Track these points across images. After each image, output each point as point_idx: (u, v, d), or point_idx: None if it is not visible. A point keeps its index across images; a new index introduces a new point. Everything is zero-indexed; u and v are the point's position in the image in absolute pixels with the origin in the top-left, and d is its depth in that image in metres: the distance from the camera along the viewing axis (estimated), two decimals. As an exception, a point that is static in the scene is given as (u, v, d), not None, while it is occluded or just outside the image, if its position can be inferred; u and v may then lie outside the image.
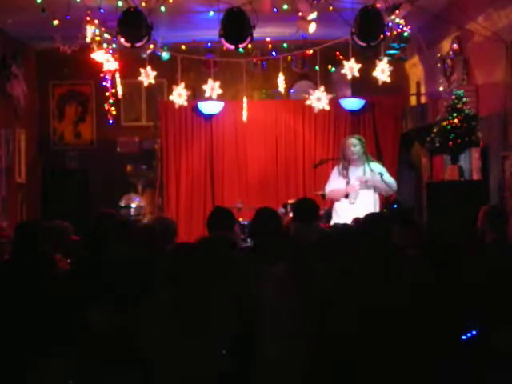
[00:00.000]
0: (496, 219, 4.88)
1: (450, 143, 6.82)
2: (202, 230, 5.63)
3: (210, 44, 8.93)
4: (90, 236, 4.61)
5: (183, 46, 8.50)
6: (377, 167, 7.42)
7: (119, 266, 3.98)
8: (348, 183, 7.31)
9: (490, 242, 4.74)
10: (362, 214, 7.09)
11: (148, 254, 4.27)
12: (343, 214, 7.28)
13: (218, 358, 3.64)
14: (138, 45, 6.44)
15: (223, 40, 6.36)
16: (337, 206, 7.47)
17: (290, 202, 8.33)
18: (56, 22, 6.97)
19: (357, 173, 7.36)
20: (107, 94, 8.00)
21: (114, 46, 7.31)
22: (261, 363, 3.77)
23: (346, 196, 7.32)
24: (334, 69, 9.21)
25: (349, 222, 6.93)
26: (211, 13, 6.87)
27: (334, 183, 7.46)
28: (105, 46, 7.28)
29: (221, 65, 8.60)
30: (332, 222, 7.38)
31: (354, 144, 7.32)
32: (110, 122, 8.32)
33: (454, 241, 4.09)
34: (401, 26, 6.95)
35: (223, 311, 3.73)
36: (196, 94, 7.64)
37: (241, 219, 7.73)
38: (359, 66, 6.80)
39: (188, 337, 3.59)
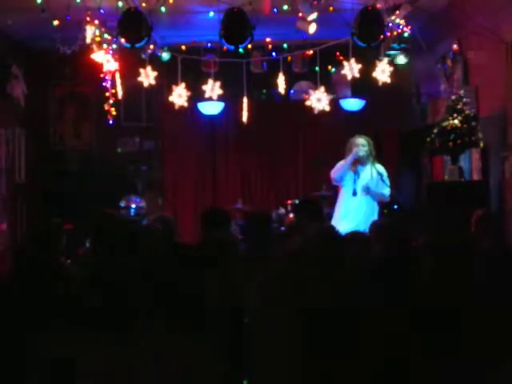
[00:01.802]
0: (491, 224, 4.81)
1: (450, 144, 6.82)
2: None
3: (210, 44, 8.93)
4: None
5: (183, 47, 8.50)
6: (380, 168, 7.42)
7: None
8: (357, 179, 7.22)
9: (486, 249, 4.67)
10: (365, 207, 7.12)
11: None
12: (345, 206, 7.20)
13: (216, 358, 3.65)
14: (138, 45, 6.44)
15: (223, 40, 6.36)
16: (340, 200, 7.37)
17: (290, 202, 8.34)
18: (56, 23, 6.96)
19: (364, 172, 7.34)
20: (107, 94, 7.99)
21: (114, 46, 7.31)
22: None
23: (354, 193, 7.23)
24: (334, 69, 9.21)
25: (352, 214, 6.96)
26: (211, 13, 6.87)
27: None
28: (105, 46, 7.28)
29: (221, 65, 8.59)
30: (333, 218, 7.34)
31: (363, 144, 7.30)
32: (110, 122, 8.32)
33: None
34: (401, 27, 6.94)
35: (218, 312, 3.74)
36: (196, 95, 7.63)
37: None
38: (359, 66, 6.80)
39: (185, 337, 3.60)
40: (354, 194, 7.14)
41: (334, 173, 7.28)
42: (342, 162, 7.29)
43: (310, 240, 4.14)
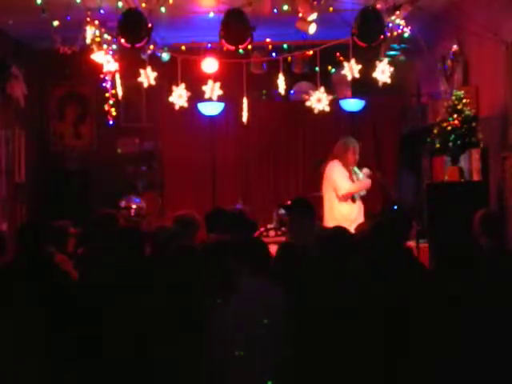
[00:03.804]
0: (491, 225, 4.79)
1: (450, 144, 6.81)
2: (202, 231, 5.62)
3: (210, 45, 8.92)
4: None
5: (183, 47, 8.50)
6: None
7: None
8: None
9: (486, 249, 4.65)
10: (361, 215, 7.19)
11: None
12: (349, 210, 7.25)
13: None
14: (137, 46, 6.44)
15: (223, 41, 6.35)
16: (338, 207, 7.39)
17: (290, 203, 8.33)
18: (56, 23, 6.96)
19: (355, 176, 7.42)
20: (107, 94, 7.99)
21: (114, 46, 7.30)
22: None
23: (353, 200, 7.36)
24: (334, 70, 9.20)
25: (359, 217, 7.03)
26: (211, 14, 6.86)
27: (347, 180, 7.44)
28: (105, 46, 7.27)
29: (221, 66, 8.59)
30: (328, 220, 7.34)
31: (358, 151, 7.43)
32: (110, 122, 8.31)
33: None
34: (401, 27, 6.93)
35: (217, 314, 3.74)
36: (196, 95, 7.63)
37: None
38: (359, 66, 6.79)
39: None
40: (354, 200, 7.26)
41: (347, 193, 7.32)
42: (344, 173, 7.31)
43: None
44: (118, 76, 7.76)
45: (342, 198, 7.39)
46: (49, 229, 5.22)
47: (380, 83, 6.83)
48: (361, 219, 7.10)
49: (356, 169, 7.50)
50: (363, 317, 3.76)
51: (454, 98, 6.94)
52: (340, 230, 4.39)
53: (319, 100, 7.15)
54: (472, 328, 3.62)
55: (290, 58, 8.65)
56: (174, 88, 7.19)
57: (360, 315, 3.77)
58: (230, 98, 8.42)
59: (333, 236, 4.30)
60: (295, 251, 4.43)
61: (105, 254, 4.44)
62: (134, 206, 9.62)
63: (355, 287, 3.88)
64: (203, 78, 7.65)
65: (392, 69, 6.83)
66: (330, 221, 7.26)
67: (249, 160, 9.91)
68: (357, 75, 6.84)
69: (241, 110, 7.65)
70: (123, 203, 9.60)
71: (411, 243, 6.78)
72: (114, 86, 7.85)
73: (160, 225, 5.58)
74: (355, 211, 7.30)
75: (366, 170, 7.49)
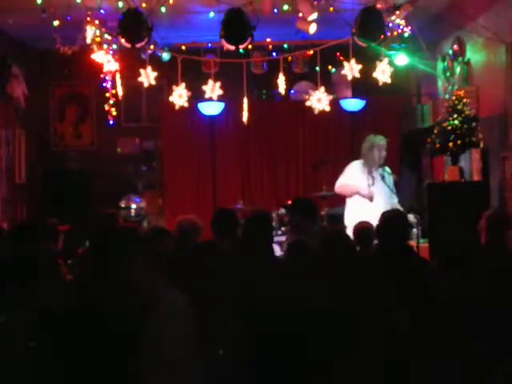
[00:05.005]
0: (494, 223, 4.79)
1: (451, 144, 6.82)
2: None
3: (210, 45, 8.94)
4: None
5: (183, 47, 8.50)
6: (388, 170, 7.34)
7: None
8: (372, 185, 7.15)
9: (486, 248, 4.65)
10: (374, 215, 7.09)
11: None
12: (360, 212, 7.13)
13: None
14: (138, 45, 6.44)
15: (223, 41, 6.36)
16: (359, 204, 7.27)
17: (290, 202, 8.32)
18: (56, 23, 6.97)
19: (376, 175, 7.28)
20: (107, 94, 7.99)
21: (115, 46, 7.30)
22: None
23: (371, 200, 7.19)
24: (334, 69, 9.21)
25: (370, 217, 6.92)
26: (211, 13, 6.87)
27: (354, 178, 7.31)
28: (105, 46, 7.27)
29: (221, 65, 8.59)
30: (347, 220, 7.27)
31: (386, 148, 7.23)
32: (111, 122, 8.31)
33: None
34: (401, 27, 6.94)
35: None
36: (196, 95, 7.63)
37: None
38: (359, 66, 6.79)
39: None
40: (371, 200, 7.09)
41: (341, 188, 7.21)
42: (354, 174, 7.18)
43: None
44: (118, 76, 7.76)
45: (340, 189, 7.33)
46: (42, 227, 5.23)
47: (380, 83, 6.82)
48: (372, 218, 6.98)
49: (383, 170, 7.30)
50: (365, 316, 3.76)
51: (454, 97, 6.94)
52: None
53: (319, 100, 7.14)
54: (473, 327, 3.62)
55: (290, 58, 8.67)
56: (174, 88, 7.19)
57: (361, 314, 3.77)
58: (229, 98, 8.42)
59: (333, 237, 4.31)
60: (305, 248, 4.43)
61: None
62: (133, 206, 9.63)
63: (357, 286, 3.89)
64: (203, 78, 7.65)
65: (392, 69, 6.83)
66: (347, 218, 7.24)
67: (249, 160, 9.92)
68: (357, 75, 6.83)
69: (241, 110, 7.64)
70: (123, 203, 9.61)
71: (412, 243, 6.78)
72: (114, 86, 7.85)
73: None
74: (367, 210, 7.14)
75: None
